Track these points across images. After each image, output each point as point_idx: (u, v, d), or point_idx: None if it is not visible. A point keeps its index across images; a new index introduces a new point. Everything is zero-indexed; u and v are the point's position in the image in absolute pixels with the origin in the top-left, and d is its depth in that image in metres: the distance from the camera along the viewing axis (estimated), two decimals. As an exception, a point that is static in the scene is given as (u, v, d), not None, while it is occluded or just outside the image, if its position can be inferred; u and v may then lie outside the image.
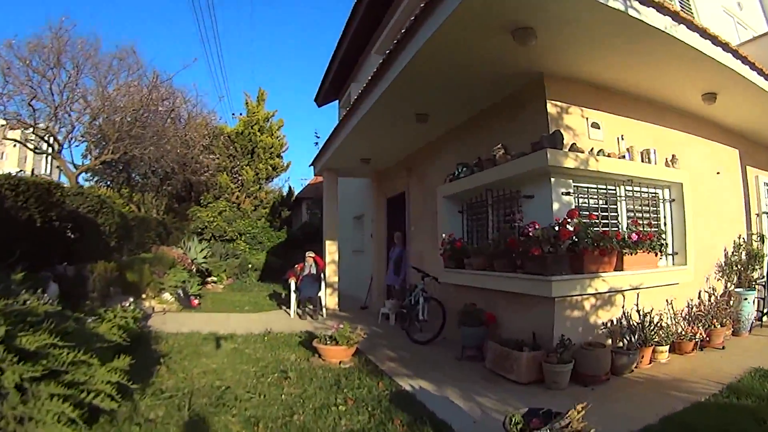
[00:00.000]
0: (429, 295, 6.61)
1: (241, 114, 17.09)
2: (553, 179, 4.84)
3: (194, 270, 10.81)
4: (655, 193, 5.76)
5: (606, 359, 4.53)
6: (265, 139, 16.70)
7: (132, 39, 36.20)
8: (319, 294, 8.83)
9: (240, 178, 16.62)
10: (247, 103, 16.92)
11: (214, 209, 15.93)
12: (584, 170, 4.88)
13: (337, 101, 13.87)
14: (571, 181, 4.97)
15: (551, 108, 5.02)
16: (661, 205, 5.81)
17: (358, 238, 11.92)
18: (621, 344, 4.81)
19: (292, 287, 8.84)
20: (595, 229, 4.79)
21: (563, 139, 4.81)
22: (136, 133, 13.84)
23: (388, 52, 5.14)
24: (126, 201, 15.96)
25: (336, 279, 9.57)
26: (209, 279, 12.41)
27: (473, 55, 4.60)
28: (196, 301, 9.40)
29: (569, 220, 4.57)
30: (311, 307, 8.88)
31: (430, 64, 4.79)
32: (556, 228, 4.49)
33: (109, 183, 17.13)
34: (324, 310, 8.86)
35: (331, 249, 9.63)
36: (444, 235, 6.27)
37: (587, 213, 4.99)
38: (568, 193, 4.92)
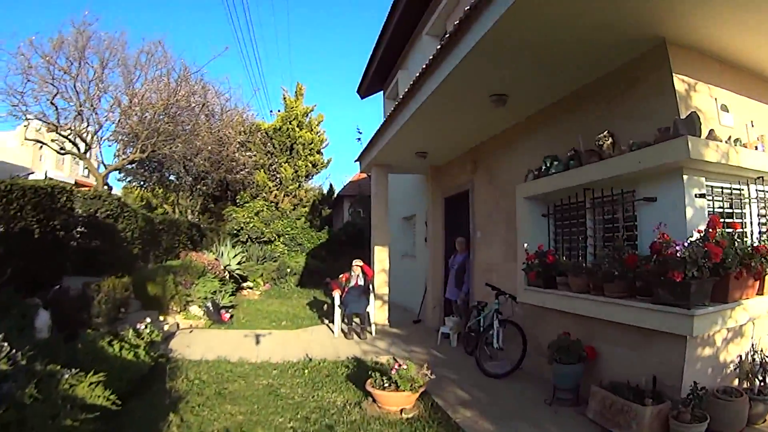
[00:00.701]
0: (505, 317, 5.46)
1: (279, 111, 16.49)
2: (686, 176, 3.62)
3: (227, 277, 10.07)
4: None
5: (745, 410, 3.48)
6: (304, 135, 15.89)
7: (160, 33, 35.72)
8: (368, 309, 7.81)
9: (278, 175, 15.92)
10: (284, 98, 16.18)
11: (250, 209, 15.29)
12: (722, 165, 3.62)
13: (381, 92, 12.84)
14: (704, 179, 3.76)
15: (678, 84, 3.80)
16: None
17: (408, 241, 10.93)
18: (750, 386, 3.69)
19: (336, 301, 7.92)
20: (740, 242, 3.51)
21: (701, 123, 3.53)
22: (164, 130, 13.26)
23: (458, 22, 4.09)
24: (161, 201, 15.75)
25: (386, 290, 8.58)
26: (245, 285, 11.73)
27: (572, 17, 3.51)
28: (227, 315, 8.56)
29: (712, 231, 3.33)
30: (357, 322, 7.93)
31: (515, 33, 3.75)
32: (700, 243, 3.23)
33: (143, 183, 16.80)
34: (373, 326, 7.91)
35: (380, 256, 8.62)
36: (525, 244, 5.16)
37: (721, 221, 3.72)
38: (702, 195, 3.74)
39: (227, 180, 15.98)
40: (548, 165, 4.97)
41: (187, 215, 15.96)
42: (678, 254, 3.22)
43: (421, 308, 9.14)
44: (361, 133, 26.42)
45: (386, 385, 4.35)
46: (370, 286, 8.13)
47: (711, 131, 3.66)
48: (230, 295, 9.39)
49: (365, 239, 14.87)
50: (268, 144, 15.94)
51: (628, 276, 3.78)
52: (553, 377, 4.41)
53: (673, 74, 3.78)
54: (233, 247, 11.71)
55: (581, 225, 4.80)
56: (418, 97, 5.60)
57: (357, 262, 8.14)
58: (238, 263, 11.40)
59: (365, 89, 12.76)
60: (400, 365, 4.41)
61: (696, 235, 3.48)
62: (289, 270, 13.61)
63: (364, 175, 18.43)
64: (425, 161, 8.11)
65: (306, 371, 5.46)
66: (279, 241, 15.12)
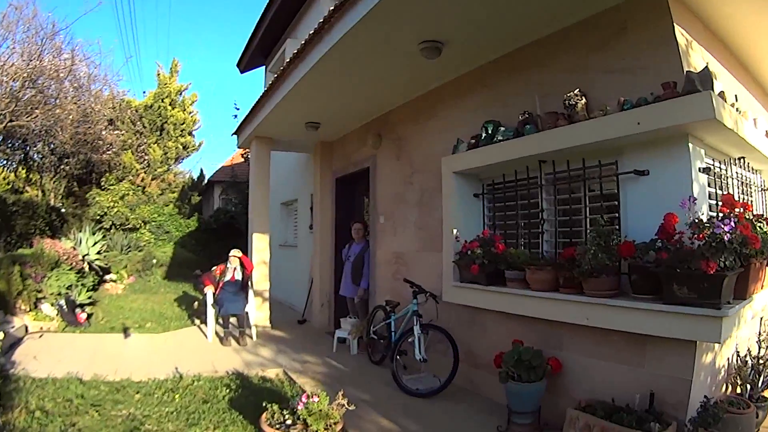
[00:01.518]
0: (427, 321, 4.34)
1: (151, 91, 15.14)
2: (691, 145, 2.83)
3: (87, 269, 8.48)
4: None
5: (754, 421, 2.84)
6: (176, 114, 14.67)
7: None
8: (246, 309, 6.13)
9: (146, 157, 14.47)
10: (158, 74, 14.77)
11: (115, 193, 13.62)
12: (730, 135, 2.97)
13: (263, 67, 11.17)
14: (703, 151, 3.01)
15: (680, 37, 2.98)
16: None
17: (288, 229, 9.37)
18: (742, 391, 3.12)
19: (209, 299, 6.13)
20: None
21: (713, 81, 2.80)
22: (27, 99, 11.34)
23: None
24: (24, 184, 13.23)
25: (267, 285, 6.92)
26: (107, 277, 9.98)
27: None
28: (84, 315, 6.76)
29: (729, 212, 2.64)
30: (234, 323, 6.28)
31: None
32: (727, 228, 2.48)
33: (4, 163, 14.10)
34: (253, 329, 6.26)
35: (260, 245, 6.93)
36: (454, 230, 4.09)
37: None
38: (705, 170, 2.98)
39: (93, 160, 14.17)
40: (489, 132, 3.88)
41: (50, 199, 13.40)
42: (724, 238, 2.40)
43: (307, 306, 7.63)
44: (238, 109, 23.56)
45: (289, 422, 2.95)
46: (249, 282, 6.41)
47: (722, 92, 2.95)
48: (90, 290, 7.95)
49: (238, 227, 13.95)
50: (138, 123, 14.54)
51: (615, 270, 2.93)
52: (507, 397, 3.38)
53: (675, 25, 3.00)
54: (93, 234, 9.96)
55: (529, 207, 3.85)
56: (321, 48, 4.10)
57: (235, 253, 6.34)
58: (98, 253, 9.65)
59: (246, 62, 11.13)
60: (309, 397, 3.01)
61: (706, 216, 2.76)
62: (155, 261, 11.93)
63: (239, 159, 17.45)
64: (316, 134, 6.56)
65: (177, 395, 3.98)
66: (145, 228, 13.77)
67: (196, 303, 7.59)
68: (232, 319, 6.20)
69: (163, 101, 14.69)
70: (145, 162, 14.66)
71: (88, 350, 5.46)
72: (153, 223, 13.90)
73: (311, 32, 4.16)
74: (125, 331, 6.37)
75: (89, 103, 13.01)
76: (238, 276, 6.31)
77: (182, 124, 14.95)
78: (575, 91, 3.29)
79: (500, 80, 4.04)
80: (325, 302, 7.05)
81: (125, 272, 11.07)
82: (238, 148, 8.05)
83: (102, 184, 14.11)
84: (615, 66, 3.21)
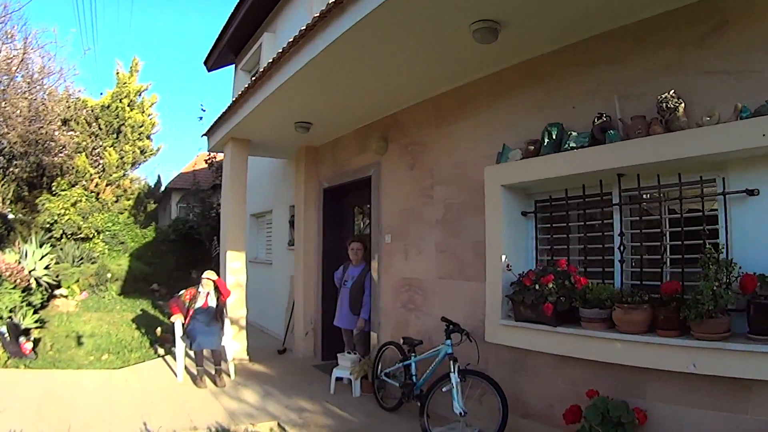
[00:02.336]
0: (467, 366, 3.60)
1: (109, 90, 14.35)
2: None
3: (34, 285, 7.71)
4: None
5: None
6: (134, 116, 13.93)
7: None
8: (223, 343, 5.16)
9: (101, 161, 13.62)
10: (117, 73, 13.99)
11: (66, 199, 12.53)
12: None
13: (233, 66, 10.36)
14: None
15: None
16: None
17: (259, 244, 8.45)
18: None
19: (178, 330, 5.16)
20: None
21: None
22: None
23: None
24: None
25: (243, 311, 5.98)
26: (57, 292, 8.99)
27: None
28: (30, 345, 5.84)
29: None
30: (208, 355, 5.30)
31: None
32: None
33: None
34: (231, 366, 5.34)
35: (234, 265, 5.98)
36: (503, 257, 3.49)
37: None
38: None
39: (44, 163, 13.20)
40: (554, 136, 3.31)
41: (-3, 205, 12.38)
42: None
43: (287, 333, 6.73)
44: (204, 110, 21.23)
45: None
46: (224, 310, 5.48)
47: None
48: (37, 311, 7.17)
49: (198, 239, 13.23)
50: (94, 124, 13.65)
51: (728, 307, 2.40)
52: (589, 465, 2.77)
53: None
54: (40, 246, 9.02)
55: (594, 229, 3.29)
56: (331, 32, 3.40)
57: (209, 275, 5.44)
58: (47, 267, 8.67)
59: (215, 59, 10.25)
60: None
61: None
62: (110, 275, 10.91)
63: (201, 165, 16.53)
64: (304, 137, 5.73)
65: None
66: (99, 238, 12.81)
67: (159, 329, 6.54)
68: (205, 351, 5.20)
69: (121, 101, 13.86)
70: (100, 166, 13.78)
71: (35, 395, 4.54)
72: (107, 233, 12.95)
73: (317, 15, 3.42)
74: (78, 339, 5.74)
75: (42, 100, 12.11)
76: (212, 302, 5.41)
77: (140, 126, 14.19)
78: (670, 93, 2.74)
79: (561, 76, 3.44)
80: (309, 330, 6.18)
81: (77, 287, 10.07)
82: (209, 152, 7.03)
83: (53, 189, 13.06)
84: (718, 67, 2.68)
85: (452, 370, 3.55)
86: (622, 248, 3.07)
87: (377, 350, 4.66)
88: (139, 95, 14.46)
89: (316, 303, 6.19)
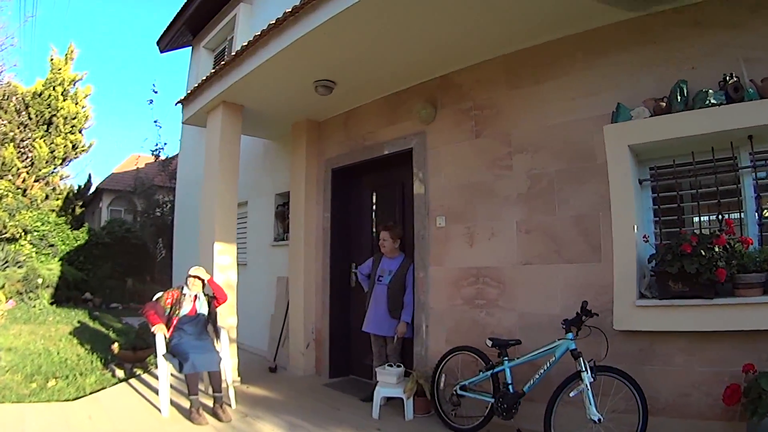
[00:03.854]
0: (591, 362, 2.94)
1: (39, 79, 13.57)
2: None
3: None
4: None
5: None
6: (68, 107, 13.13)
7: None
8: (222, 364, 3.93)
9: (30, 154, 12.89)
10: (51, 59, 13.20)
11: None
12: None
13: (190, 47, 9.58)
14: None
15: None
16: None
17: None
18: None
19: (160, 347, 3.91)
20: None
21: None
22: None
23: None
24: None
25: (234, 321, 4.76)
26: None
27: None
28: None
29: None
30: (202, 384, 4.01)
31: None
32: None
33: None
34: (231, 391, 4.10)
35: (223, 261, 4.70)
36: (635, 227, 3.04)
37: None
38: None
39: None
40: (684, 94, 2.93)
41: None
42: None
43: (279, 347, 5.43)
44: (156, 92, 19.13)
45: None
46: (218, 318, 4.32)
47: None
48: None
49: (136, 243, 12.79)
50: (23, 112, 12.85)
51: None
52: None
53: None
54: None
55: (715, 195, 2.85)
56: None
57: (197, 272, 4.25)
58: None
59: (170, 40, 9.36)
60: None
61: None
62: (41, 281, 9.80)
63: (134, 167, 15.89)
64: (320, 101, 4.72)
65: None
66: (26, 239, 11.85)
67: (116, 345, 5.09)
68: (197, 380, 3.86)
69: (54, 89, 12.99)
70: (29, 160, 12.94)
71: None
72: (36, 234, 11.93)
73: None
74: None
75: None
76: (202, 308, 4.21)
77: (74, 119, 13.32)
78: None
79: (675, 36, 3.14)
80: (311, 342, 5.00)
81: (3, 294, 8.99)
82: (185, 123, 5.59)
83: None
84: None
85: (582, 368, 2.92)
86: (759, 211, 2.83)
87: (440, 359, 3.74)
88: (74, 85, 13.62)
89: (322, 308, 5.15)
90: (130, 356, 5.01)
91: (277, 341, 5.51)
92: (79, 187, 15.37)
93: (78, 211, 14.32)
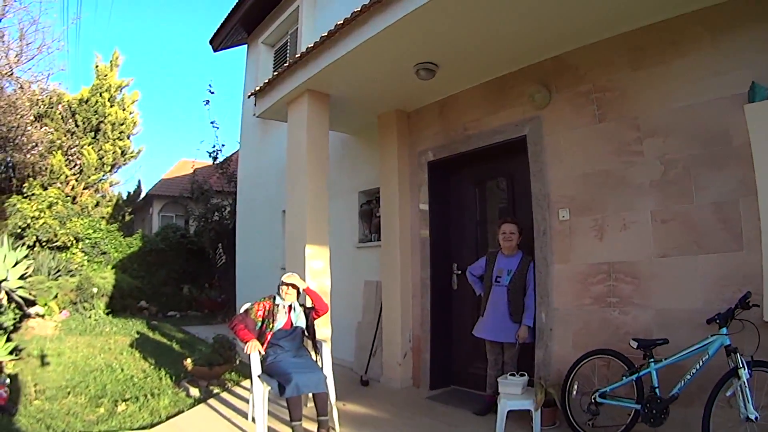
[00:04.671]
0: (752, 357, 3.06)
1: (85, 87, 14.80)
2: None
3: (5, 301, 7.17)
4: None
5: None
6: (115, 113, 14.37)
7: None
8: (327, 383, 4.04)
9: (78, 161, 13.92)
10: (96, 66, 14.47)
11: (41, 199, 12.48)
12: None
13: (245, 45, 10.47)
14: None
15: None
16: None
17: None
18: None
19: (255, 367, 4.01)
20: None
21: None
22: None
23: None
24: None
25: (328, 333, 5.06)
26: (32, 311, 8.23)
27: None
28: (5, 391, 4.51)
29: None
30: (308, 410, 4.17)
31: None
32: None
33: None
34: (335, 414, 4.15)
35: (315, 266, 4.95)
36: None
37: None
38: None
39: (13, 162, 13.44)
40: None
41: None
42: None
43: (371, 359, 5.68)
44: (213, 93, 20.78)
45: None
46: (316, 332, 4.47)
47: None
48: (8, 336, 6.22)
49: (192, 248, 13.66)
50: (70, 120, 13.99)
51: None
52: None
53: None
54: (14, 248, 8.33)
55: None
56: None
57: (291, 279, 4.31)
58: (22, 277, 7.98)
59: (224, 38, 10.24)
60: None
61: None
62: (96, 290, 10.32)
63: (186, 171, 17.13)
64: (413, 89, 4.98)
65: None
66: (77, 247, 12.65)
67: (189, 360, 5.36)
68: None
69: (101, 95, 14.20)
70: (77, 167, 13.98)
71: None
72: (87, 241, 12.78)
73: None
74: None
75: (16, 88, 12.19)
76: (298, 321, 4.33)
77: (122, 125, 14.60)
78: None
79: None
80: (408, 350, 5.19)
81: (56, 304, 9.50)
82: (256, 116, 5.95)
83: (24, 190, 12.97)
84: None
85: (740, 364, 2.98)
86: None
87: (572, 365, 3.89)
88: (120, 91, 14.85)
89: (421, 314, 5.38)
90: (206, 373, 5.25)
91: (368, 351, 5.78)
92: (129, 193, 16.77)
93: (127, 218, 15.62)
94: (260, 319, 4.20)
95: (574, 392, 3.84)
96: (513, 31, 4.10)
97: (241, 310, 4.37)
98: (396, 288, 5.46)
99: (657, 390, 3.38)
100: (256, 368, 3.97)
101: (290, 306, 4.30)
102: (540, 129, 4.47)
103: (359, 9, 4.13)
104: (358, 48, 4.26)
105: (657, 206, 3.75)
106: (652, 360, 3.45)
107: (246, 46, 10.32)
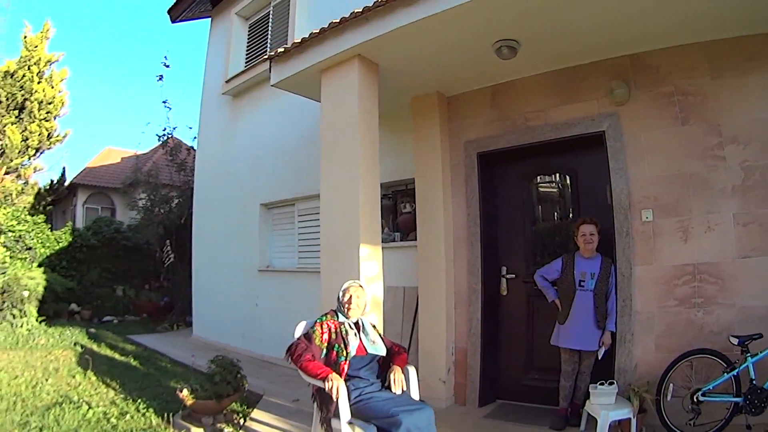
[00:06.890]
0: None
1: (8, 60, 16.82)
2: None
3: None
4: None
5: None
6: (43, 90, 16.26)
7: None
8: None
9: (0, 142, 15.75)
10: (25, 37, 16.38)
11: None
12: None
13: (209, 18, 12.24)
14: None
15: None
16: None
17: (273, 245, 8.75)
18: None
19: (344, 412, 4.07)
20: None
21: None
22: None
23: None
24: None
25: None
26: None
27: None
28: None
29: None
30: None
31: None
32: None
33: None
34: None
35: (369, 271, 5.73)
36: None
37: None
38: None
39: None
40: None
41: None
42: None
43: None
44: (168, 66, 22.40)
45: None
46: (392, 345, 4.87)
47: None
48: None
49: (127, 245, 15.39)
50: None
51: None
52: None
53: None
54: None
55: None
56: None
57: (358, 291, 4.71)
58: None
59: (186, 8, 11.91)
60: None
61: None
62: (27, 293, 11.34)
63: (110, 161, 20.69)
64: (466, 70, 6.15)
65: None
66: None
67: (185, 391, 5.60)
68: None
69: (29, 69, 15.92)
70: None
71: None
72: (11, 234, 13.94)
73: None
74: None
75: None
76: (374, 347, 4.53)
77: (49, 103, 16.35)
78: None
79: None
80: (451, 364, 6.30)
81: None
82: (273, 85, 6.32)
83: None
84: None
85: None
86: None
87: (667, 368, 5.31)
88: (49, 66, 16.71)
89: (467, 323, 6.57)
90: (214, 407, 5.59)
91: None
92: (52, 181, 19.20)
93: (47, 207, 17.77)
94: (326, 344, 4.36)
95: (669, 395, 5.30)
96: (600, 20, 5.33)
97: (297, 333, 4.64)
98: (440, 296, 6.60)
99: (753, 381, 4.98)
100: (345, 413, 4.01)
101: (357, 324, 4.59)
102: (618, 126, 5.95)
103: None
104: (441, 14, 4.86)
105: (738, 210, 5.41)
106: (748, 354, 5.06)
107: (210, 19, 11.92)
